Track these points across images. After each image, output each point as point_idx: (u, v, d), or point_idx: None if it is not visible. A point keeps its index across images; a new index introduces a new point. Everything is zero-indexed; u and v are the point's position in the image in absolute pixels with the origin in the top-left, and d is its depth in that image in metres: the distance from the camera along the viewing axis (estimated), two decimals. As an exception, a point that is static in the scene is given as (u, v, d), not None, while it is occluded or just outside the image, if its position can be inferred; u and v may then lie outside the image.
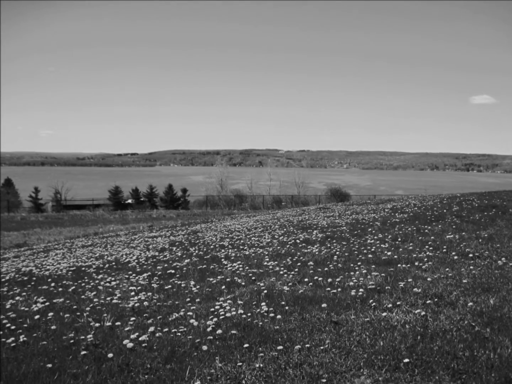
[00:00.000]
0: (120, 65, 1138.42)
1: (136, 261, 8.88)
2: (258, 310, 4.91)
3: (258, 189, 61.38)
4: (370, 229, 10.32)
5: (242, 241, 10.27)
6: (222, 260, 8.13)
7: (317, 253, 8.02)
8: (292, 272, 6.63)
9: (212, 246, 9.92)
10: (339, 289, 5.47)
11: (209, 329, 4.41)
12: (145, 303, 5.58)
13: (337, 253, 7.85)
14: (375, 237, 9.13)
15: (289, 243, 9.40)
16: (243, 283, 6.23)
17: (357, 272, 6.28)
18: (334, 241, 9.16)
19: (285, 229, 11.78)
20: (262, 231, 11.85)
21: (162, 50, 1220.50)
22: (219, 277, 6.75)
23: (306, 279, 6.10)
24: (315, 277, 6.13)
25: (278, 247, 8.95)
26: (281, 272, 6.68)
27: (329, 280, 5.92)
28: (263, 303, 5.09)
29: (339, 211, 16.11)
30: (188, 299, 5.63)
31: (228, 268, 7.33)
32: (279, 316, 4.61)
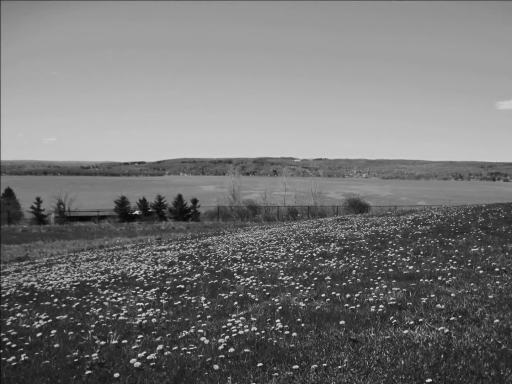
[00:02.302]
0: (127, 69, 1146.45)
1: (143, 275, 8.93)
2: (273, 327, 4.91)
3: (273, 199, 61.31)
4: (390, 242, 10.29)
5: (255, 255, 10.29)
6: (235, 274, 8.15)
7: (334, 267, 8.02)
8: (309, 287, 6.62)
9: (224, 260, 9.96)
10: (357, 305, 5.46)
11: (220, 347, 4.42)
12: (153, 320, 5.61)
13: (356, 267, 7.84)
14: (396, 250, 9.10)
15: (305, 256, 9.40)
16: (256, 299, 6.24)
17: (377, 287, 6.26)
18: (353, 254, 9.15)
19: (301, 242, 11.79)
20: (276, 244, 11.87)
21: (171, 53, 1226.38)
22: (231, 292, 6.77)
23: (323, 295, 6.09)
24: (333, 293, 6.12)
25: (294, 261, 8.96)
26: (297, 287, 6.68)
27: (348, 295, 5.91)
28: (278, 320, 5.09)
29: (358, 223, 16.08)
30: (198, 316, 5.65)
31: (241, 283, 7.35)
32: (294, 334, 4.61)
